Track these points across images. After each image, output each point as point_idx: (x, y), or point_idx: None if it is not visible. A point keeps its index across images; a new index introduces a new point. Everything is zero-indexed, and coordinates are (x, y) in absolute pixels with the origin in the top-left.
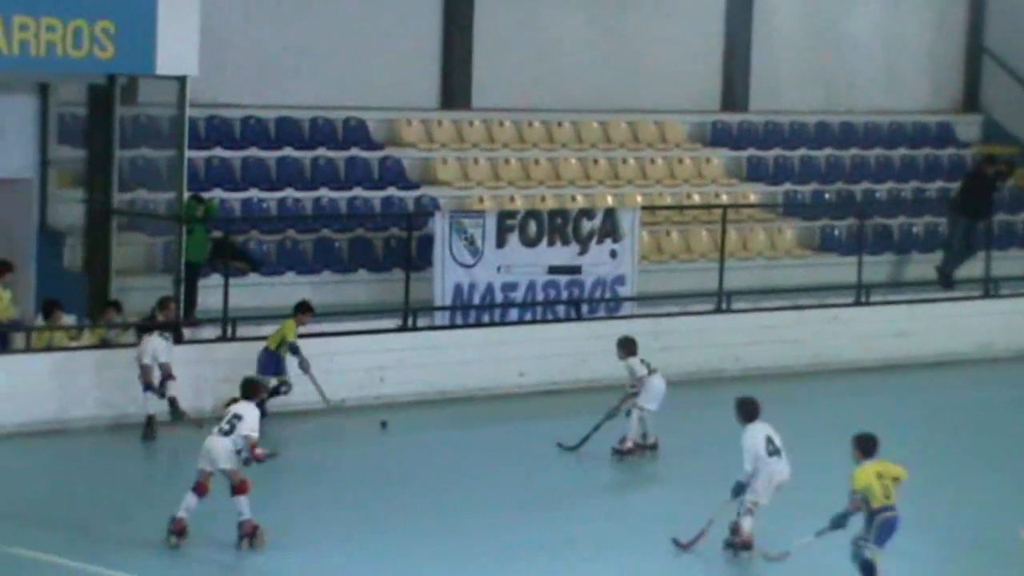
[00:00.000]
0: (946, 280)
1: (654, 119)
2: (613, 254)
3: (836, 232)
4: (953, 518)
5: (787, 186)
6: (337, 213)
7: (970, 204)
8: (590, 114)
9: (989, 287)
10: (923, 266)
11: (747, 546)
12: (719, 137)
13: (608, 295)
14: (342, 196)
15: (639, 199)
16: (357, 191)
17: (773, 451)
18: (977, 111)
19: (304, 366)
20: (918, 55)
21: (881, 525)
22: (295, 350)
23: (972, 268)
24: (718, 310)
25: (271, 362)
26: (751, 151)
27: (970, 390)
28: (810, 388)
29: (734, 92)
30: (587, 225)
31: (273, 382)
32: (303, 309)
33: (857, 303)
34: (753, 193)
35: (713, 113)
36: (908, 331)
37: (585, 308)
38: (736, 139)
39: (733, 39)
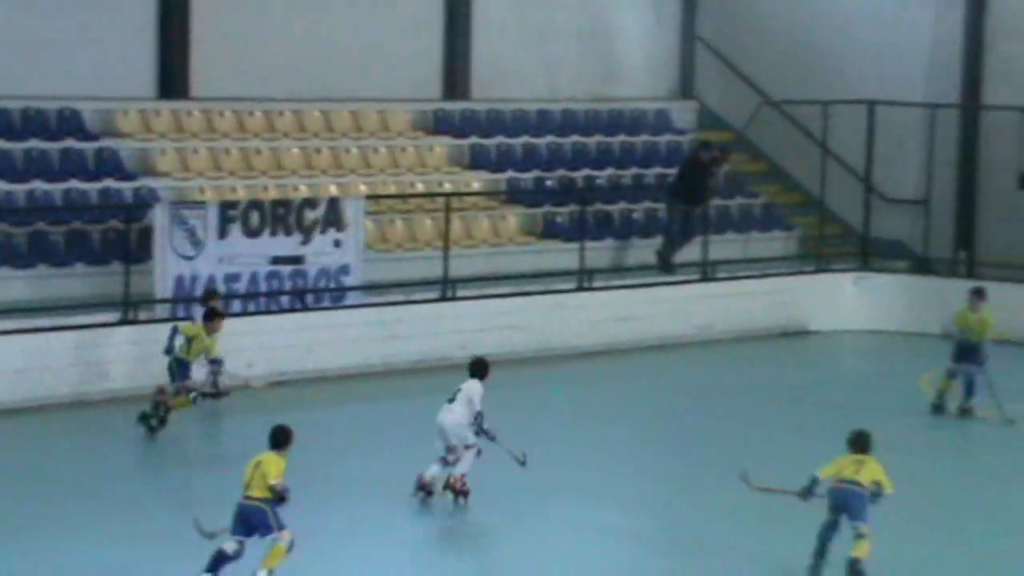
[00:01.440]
0: (666, 264)
1: (376, 108)
2: (337, 244)
3: (558, 219)
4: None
5: (510, 174)
6: (52, 205)
7: (687, 190)
8: (312, 103)
9: (707, 271)
10: (643, 251)
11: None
12: (442, 125)
13: (332, 285)
14: (57, 188)
15: (363, 188)
16: (73, 183)
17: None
18: (692, 98)
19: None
20: (635, 44)
21: (836, 491)
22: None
23: (690, 252)
24: (443, 298)
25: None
26: (474, 139)
27: (691, 372)
28: (536, 374)
29: (455, 80)
30: (310, 215)
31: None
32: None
33: (580, 289)
34: (476, 181)
35: (435, 101)
36: (630, 315)
37: (311, 298)
38: (459, 127)
39: (454, 27)
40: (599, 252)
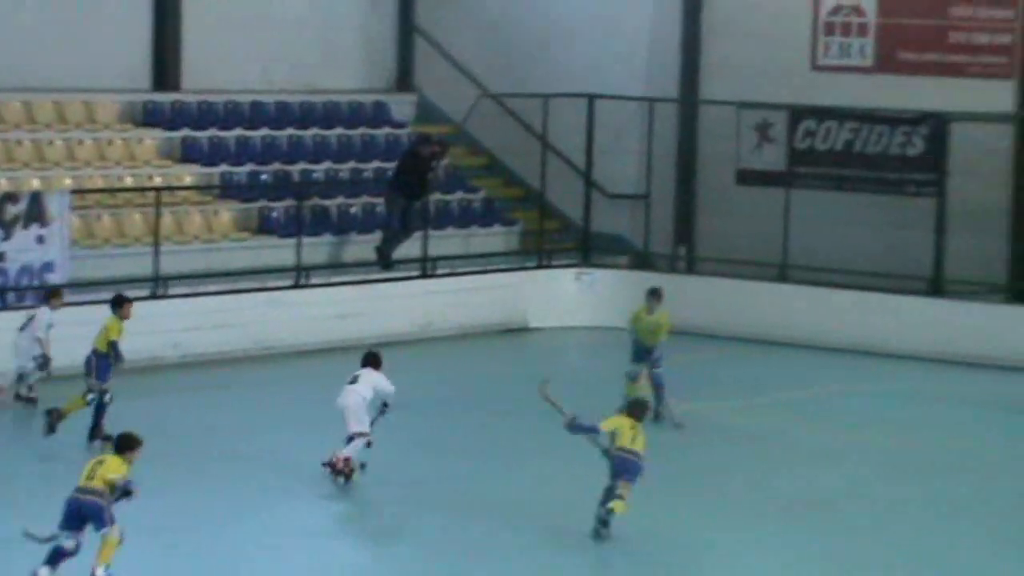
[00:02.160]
0: (385, 260)
1: (82, 98)
2: (40, 240)
3: (274, 214)
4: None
5: (223, 167)
6: None
7: (407, 184)
8: (12, 93)
9: (427, 267)
10: (362, 247)
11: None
12: (151, 117)
13: (36, 282)
14: None
15: (68, 182)
16: None
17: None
18: (411, 91)
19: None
20: (352, 34)
21: (617, 459)
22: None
23: (410, 248)
24: (154, 296)
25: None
26: (185, 132)
27: (409, 370)
28: (251, 373)
29: (165, 70)
30: (12, 210)
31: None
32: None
33: (297, 285)
34: (188, 175)
35: (144, 92)
36: (349, 312)
37: (12, 297)
38: (169, 119)
39: (163, 16)
40: (316, 248)
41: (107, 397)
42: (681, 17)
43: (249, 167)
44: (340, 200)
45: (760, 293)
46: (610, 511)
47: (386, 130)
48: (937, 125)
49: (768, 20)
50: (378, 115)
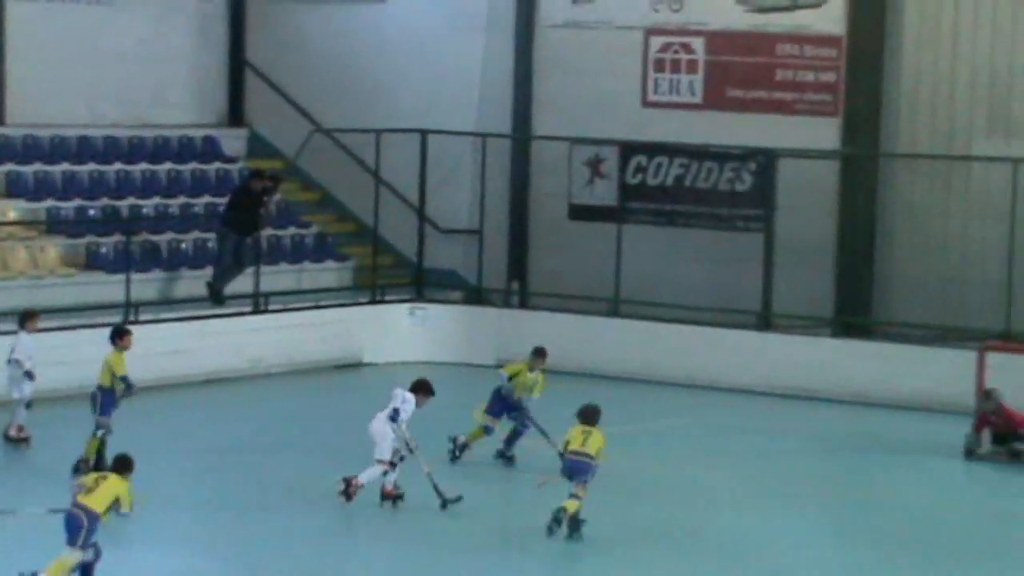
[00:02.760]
0: (217, 296)
1: None
2: None
3: (103, 249)
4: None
5: (49, 202)
6: None
7: (239, 219)
8: None
9: (259, 302)
10: (193, 282)
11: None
12: None
13: None
14: None
15: None
16: None
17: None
18: (242, 125)
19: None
20: (182, 68)
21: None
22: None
23: (242, 283)
24: None
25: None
26: (10, 166)
27: (242, 406)
28: (80, 411)
29: None
30: None
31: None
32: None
33: (127, 322)
34: (13, 210)
35: None
36: (180, 349)
37: None
38: None
39: None
40: (146, 283)
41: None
42: (513, 53)
43: (76, 202)
44: (170, 235)
45: (593, 328)
46: (562, 509)
47: (217, 165)
48: (765, 161)
49: (599, 56)
50: (209, 150)
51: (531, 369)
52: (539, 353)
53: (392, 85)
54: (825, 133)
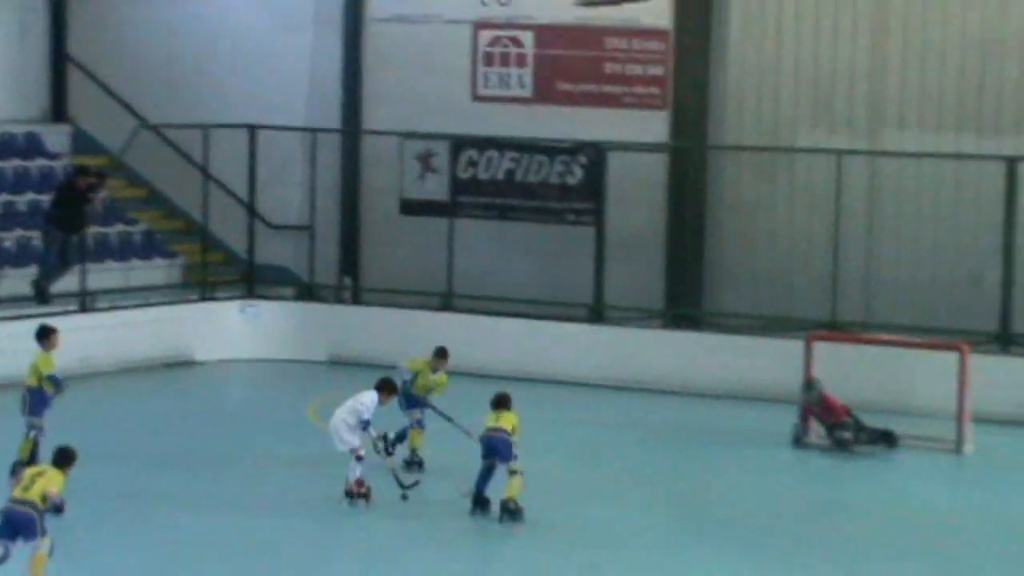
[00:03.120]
0: (43, 295)
1: None
2: None
3: None
4: None
5: None
6: None
7: (64, 216)
8: None
9: (86, 301)
10: (17, 281)
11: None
12: None
13: None
14: None
15: None
16: None
17: None
18: (65, 121)
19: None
20: (1, 64)
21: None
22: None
23: (68, 282)
24: None
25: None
26: None
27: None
28: None
29: None
30: None
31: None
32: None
33: None
34: None
35: None
36: (5, 349)
37: None
38: None
39: None
40: None
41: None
42: (342, 47)
43: None
44: None
45: (425, 323)
46: (509, 499)
47: (40, 161)
48: (594, 154)
49: (428, 51)
50: (31, 146)
51: (434, 370)
52: (441, 354)
53: (220, 80)
54: (654, 126)
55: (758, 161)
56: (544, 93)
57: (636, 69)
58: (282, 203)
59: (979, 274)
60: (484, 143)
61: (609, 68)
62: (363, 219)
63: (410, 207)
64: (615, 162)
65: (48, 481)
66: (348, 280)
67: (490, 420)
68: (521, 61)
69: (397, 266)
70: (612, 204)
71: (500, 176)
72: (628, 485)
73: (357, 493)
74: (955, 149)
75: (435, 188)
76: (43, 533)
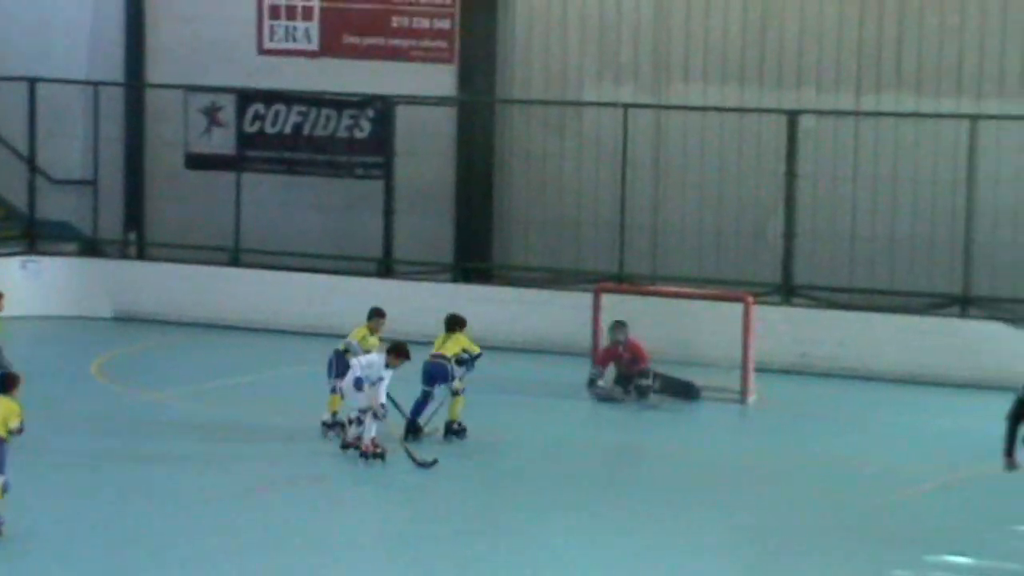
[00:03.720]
0: None
1: None
2: None
3: None
4: None
5: None
6: None
7: None
8: None
9: None
10: None
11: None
12: None
13: None
14: None
15: None
16: None
17: None
18: None
19: None
20: None
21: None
22: None
23: None
24: None
25: None
26: None
27: None
28: None
29: None
30: None
31: None
32: None
33: None
34: None
35: None
36: None
37: None
38: None
39: None
40: None
41: None
42: None
43: None
44: None
45: (213, 278)
46: (452, 420)
47: None
48: (383, 108)
49: (214, 3)
50: None
51: (372, 332)
52: (379, 313)
53: None
54: (441, 80)
55: (546, 114)
56: (331, 46)
57: (423, 22)
58: (64, 157)
59: (762, 226)
60: (271, 97)
61: (396, 21)
62: (148, 174)
63: (196, 161)
64: (403, 116)
65: (9, 413)
66: (133, 235)
67: (437, 343)
68: (307, 14)
69: (183, 221)
70: (401, 158)
71: (288, 130)
72: (430, 440)
73: (373, 453)
74: (738, 102)
75: (221, 142)
76: (3, 469)
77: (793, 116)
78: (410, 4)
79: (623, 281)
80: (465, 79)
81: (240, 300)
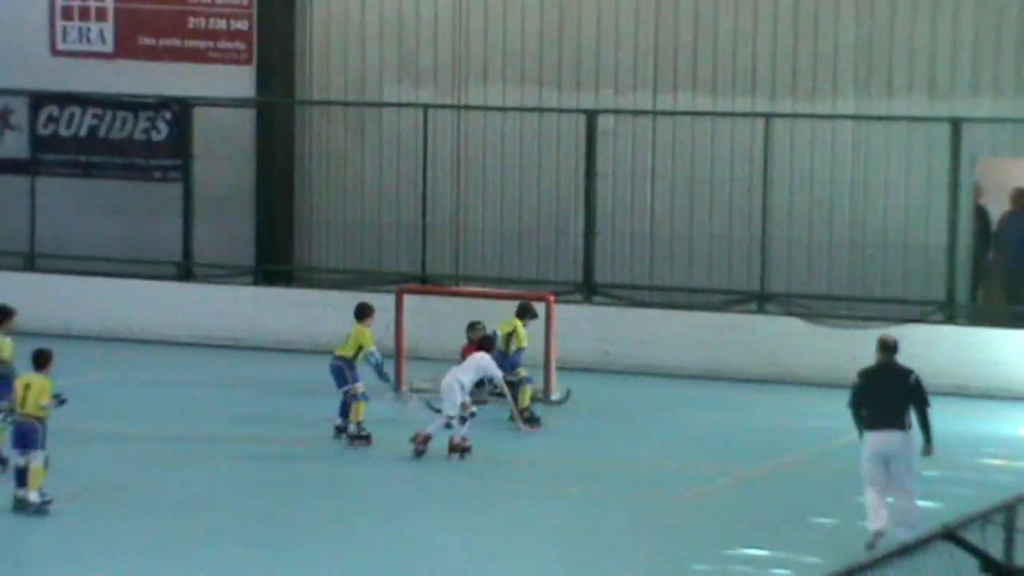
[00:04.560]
0: None
1: None
2: None
3: None
4: None
5: None
6: None
7: None
8: None
9: None
10: None
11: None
12: None
13: None
14: None
15: None
16: None
17: None
18: None
19: None
20: None
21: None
22: None
23: None
24: None
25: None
26: None
27: None
28: None
29: None
30: None
31: None
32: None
33: None
34: None
35: None
36: None
37: None
38: None
39: None
40: None
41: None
42: None
43: None
44: None
45: (7, 283)
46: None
47: None
48: (180, 110)
49: (3, 4)
50: None
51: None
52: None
53: None
54: (240, 81)
55: (346, 115)
56: (126, 48)
57: (220, 23)
58: None
59: (563, 225)
60: (65, 99)
61: (192, 23)
62: None
63: None
64: (201, 118)
65: (38, 389)
66: None
67: (340, 345)
68: (101, 15)
69: None
70: (199, 160)
71: (83, 133)
72: (216, 444)
73: (461, 448)
74: (538, 103)
75: (15, 146)
76: (39, 446)
77: (592, 116)
78: (206, 5)
79: (426, 282)
80: (264, 81)
81: (36, 306)
